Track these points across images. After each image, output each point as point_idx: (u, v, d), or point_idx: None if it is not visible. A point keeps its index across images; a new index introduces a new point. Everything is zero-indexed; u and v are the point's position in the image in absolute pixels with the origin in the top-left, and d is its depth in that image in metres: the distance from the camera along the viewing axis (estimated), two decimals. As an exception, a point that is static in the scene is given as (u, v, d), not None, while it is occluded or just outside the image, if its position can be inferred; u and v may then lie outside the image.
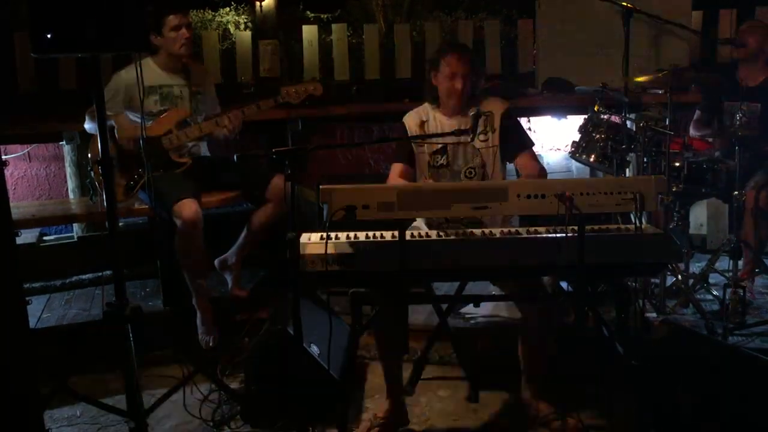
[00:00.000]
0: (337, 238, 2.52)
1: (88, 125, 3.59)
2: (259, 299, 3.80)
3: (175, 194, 3.45)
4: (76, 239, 4.55)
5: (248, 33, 4.98)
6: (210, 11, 5.12)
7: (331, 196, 2.37)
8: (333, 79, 5.05)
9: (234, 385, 3.18)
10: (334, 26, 5.12)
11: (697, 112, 4.22)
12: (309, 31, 5.04)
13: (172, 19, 3.57)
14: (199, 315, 3.55)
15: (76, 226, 4.53)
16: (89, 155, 3.64)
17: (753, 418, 2.41)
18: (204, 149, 3.87)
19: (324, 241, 2.40)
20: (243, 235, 3.79)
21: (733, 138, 3.47)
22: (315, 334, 2.93)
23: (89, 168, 3.66)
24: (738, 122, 3.59)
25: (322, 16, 5.31)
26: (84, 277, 4.35)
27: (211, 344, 3.48)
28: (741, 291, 3.43)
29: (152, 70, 3.64)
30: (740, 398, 2.48)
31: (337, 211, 2.35)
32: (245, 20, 5.13)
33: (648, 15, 4.14)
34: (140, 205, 3.70)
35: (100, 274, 4.29)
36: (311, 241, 2.53)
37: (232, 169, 3.69)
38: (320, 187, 2.39)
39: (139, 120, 3.26)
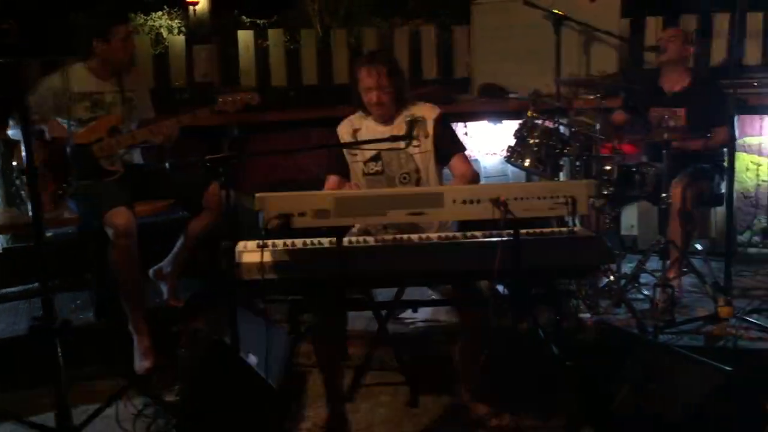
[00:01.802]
0: (274, 245, 2.50)
1: (12, 131, 3.46)
2: (195, 309, 3.72)
3: (106, 203, 3.35)
4: (0, 251, 4.38)
5: (182, 38, 4.92)
6: (142, 15, 5.03)
7: (267, 204, 2.35)
8: (270, 84, 5.03)
9: (169, 398, 3.09)
10: (270, 31, 5.10)
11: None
12: (245, 36, 5.01)
13: (123, 29, 3.52)
14: (135, 339, 3.38)
15: (0, 237, 4.36)
16: (14, 163, 3.50)
17: (683, 414, 2.49)
18: (137, 157, 3.77)
19: (260, 249, 2.38)
20: (179, 243, 3.71)
21: (660, 142, 3.59)
22: (253, 343, 2.89)
23: (15, 176, 3.52)
24: (663, 126, 3.72)
25: (258, 21, 5.28)
26: (10, 290, 4.17)
27: (147, 367, 3.31)
28: (670, 290, 3.54)
29: (83, 76, 3.54)
30: (670, 395, 2.56)
31: (273, 218, 2.33)
32: (179, 25, 5.07)
33: (577, 22, 4.25)
34: (70, 214, 3.58)
35: (27, 286, 4.14)
36: (248, 249, 2.50)
37: (167, 176, 3.61)
38: (255, 194, 2.36)
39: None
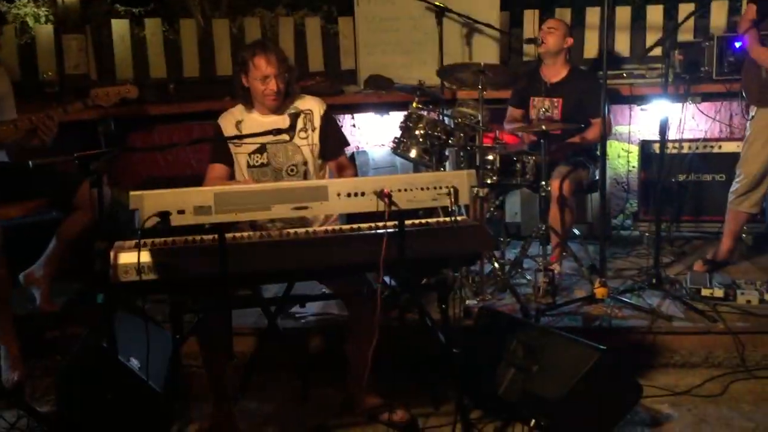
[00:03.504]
0: (153, 244, 2.40)
1: None
2: (72, 314, 3.54)
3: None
4: None
5: (50, 27, 4.63)
6: (5, 2, 4.70)
7: (143, 202, 2.25)
8: (149, 76, 4.83)
9: (45, 409, 2.93)
10: (147, 21, 4.89)
11: (509, 109, 4.47)
12: (119, 26, 4.78)
13: None
14: (2, 349, 3.17)
15: None
16: None
17: (563, 393, 2.60)
18: (2, 155, 3.52)
19: (137, 249, 2.27)
20: (51, 246, 3.51)
21: (538, 132, 3.71)
22: (134, 347, 2.77)
23: None
24: (542, 117, 3.85)
25: (133, 9, 5.05)
26: None
27: (15, 379, 3.11)
28: (550, 274, 3.69)
29: None
30: (551, 375, 2.67)
31: (150, 217, 2.23)
32: (46, 13, 4.77)
33: (459, 15, 4.32)
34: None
35: None
36: (125, 249, 2.38)
37: (37, 175, 3.39)
38: (130, 192, 2.25)
39: None
